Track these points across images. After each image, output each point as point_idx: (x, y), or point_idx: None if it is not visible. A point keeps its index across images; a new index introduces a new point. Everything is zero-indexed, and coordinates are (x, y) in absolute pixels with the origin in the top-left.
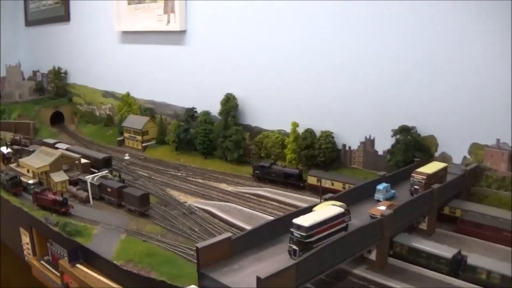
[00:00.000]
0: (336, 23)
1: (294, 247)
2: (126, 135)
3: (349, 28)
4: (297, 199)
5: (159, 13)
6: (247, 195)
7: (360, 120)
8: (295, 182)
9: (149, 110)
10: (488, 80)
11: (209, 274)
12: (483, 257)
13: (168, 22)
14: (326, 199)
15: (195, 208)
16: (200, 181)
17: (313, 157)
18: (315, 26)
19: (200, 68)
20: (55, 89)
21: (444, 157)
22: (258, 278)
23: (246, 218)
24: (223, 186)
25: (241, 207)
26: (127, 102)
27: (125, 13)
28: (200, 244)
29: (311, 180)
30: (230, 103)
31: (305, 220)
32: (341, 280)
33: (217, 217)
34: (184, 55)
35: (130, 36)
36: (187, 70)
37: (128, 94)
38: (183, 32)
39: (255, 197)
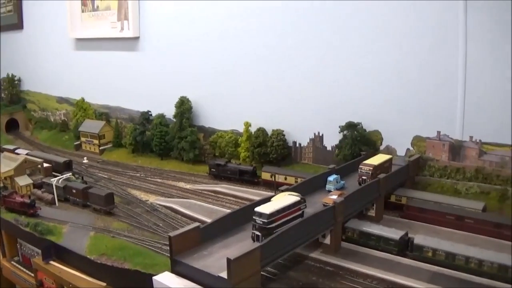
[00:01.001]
0: (284, 25)
1: (257, 233)
2: (83, 139)
3: (296, 29)
4: (252, 193)
5: (113, 20)
6: (205, 192)
7: (309, 118)
8: (249, 179)
9: (104, 114)
10: (428, 75)
11: (182, 260)
12: (429, 237)
13: (122, 29)
14: (282, 191)
15: (157, 206)
16: (159, 180)
17: (266, 154)
18: (264, 29)
19: (154, 72)
20: (9, 96)
21: (389, 150)
22: (228, 260)
23: (207, 213)
24: (181, 184)
25: (201, 202)
26: (82, 107)
27: (79, 20)
28: (172, 233)
29: (265, 175)
30: (184, 106)
31: (266, 208)
32: (299, 263)
33: (179, 213)
34: (138, 60)
35: (84, 42)
36: (141, 75)
37: (83, 100)
38: (136, 38)
39: (213, 194)
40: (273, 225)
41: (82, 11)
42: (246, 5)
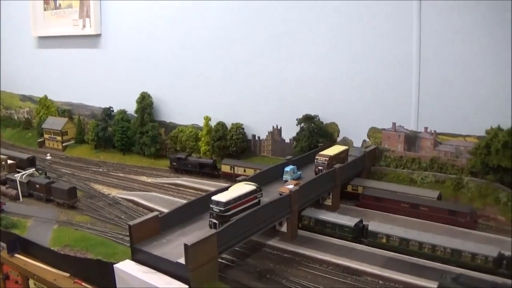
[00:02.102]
0: (242, 22)
1: (214, 220)
2: (46, 136)
3: (254, 26)
4: (212, 186)
5: (75, 18)
6: (166, 185)
7: (268, 112)
8: (210, 171)
9: (67, 111)
10: (383, 69)
11: (142, 248)
12: (383, 224)
13: (84, 26)
14: (239, 181)
15: (119, 199)
16: (121, 175)
17: (226, 147)
18: (222, 26)
19: (115, 69)
20: None
21: (346, 141)
22: (185, 245)
23: (168, 204)
24: (143, 178)
25: (162, 195)
26: (45, 105)
27: (42, 19)
28: (132, 222)
29: (225, 168)
30: (145, 101)
31: (222, 197)
32: (257, 251)
33: (141, 205)
34: (99, 57)
35: (47, 41)
36: (103, 71)
37: (45, 97)
38: (98, 35)
39: (174, 186)
40: (230, 213)
41: (45, 10)
42: (205, 3)
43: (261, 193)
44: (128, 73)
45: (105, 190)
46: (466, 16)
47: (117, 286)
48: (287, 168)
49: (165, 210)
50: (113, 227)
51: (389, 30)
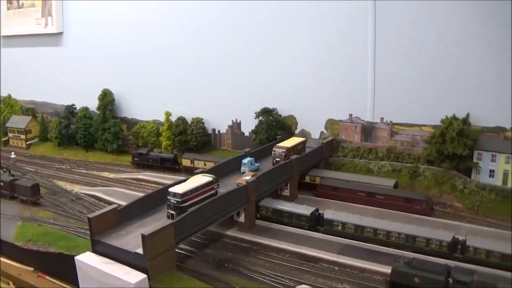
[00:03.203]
0: (199, 19)
1: (172, 211)
2: (10, 135)
3: (210, 22)
4: (173, 179)
5: (37, 16)
6: (128, 180)
7: (227, 106)
8: (171, 166)
9: (31, 110)
10: (339, 62)
11: (101, 239)
12: (338, 213)
13: (46, 25)
14: (197, 173)
15: (82, 194)
16: (84, 171)
17: (186, 142)
18: (180, 23)
19: (77, 67)
20: None
21: (304, 133)
22: (142, 236)
23: (129, 199)
24: (105, 174)
25: (124, 190)
26: (9, 104)
27: (5, 18)
28: (91, 215)
29: (186, 162)
30: (107, 98)
31: (179, 188)
32: (216, 241)
33: (103, 200)
34: (62, 55)
35: (10, 40)
36: (65, 69)
37: (9, 96)
38: (60, 34)
39: (135, 181)
40: (187, 204)
41: (8, 9)
42: (164, 3)
43: (218, 184)
44: (90, 71)
45: (68, 186)
46: (419, 10)
47: (79, 278)
48: (245, 160)
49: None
50: (75, 221)
51: (345, 26)
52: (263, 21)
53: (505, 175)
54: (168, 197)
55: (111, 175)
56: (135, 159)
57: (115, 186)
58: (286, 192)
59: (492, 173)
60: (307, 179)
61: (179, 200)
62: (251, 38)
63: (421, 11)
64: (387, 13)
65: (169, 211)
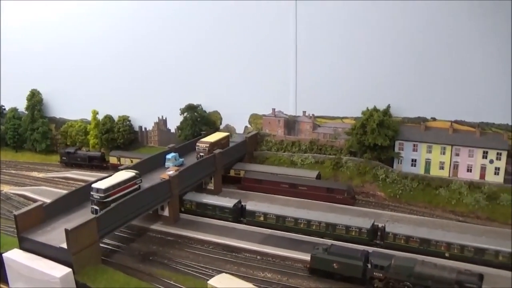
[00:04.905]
0: (121, 20)
1: (95, 207)
2: None
3: (133, 22)
4: (100, 177)
5: None
6: (57, 179)
7: (153, 103)
8: (98, 164)
9: None
10: (262, 59)
11: (27, 236)
12: (260, 204)
13: None
14: (121, 169)
15: (11, 194)
16: (13, 171)
17: (114, 140)
18: (107, 24)
19: (5, 67)
20: None
21: (229, 128)
22: (66, 230)
23: (57, 197)
24: (35, 174)
25: (52, 188)
26: None
27: None
28: (17, 212)
29: (113, 159)
30: (35, 98)
31: (102, 184)
32: (141, 235)
33: (31, 199)
34: None
35: None
36: None
37: None
38: None
39: (63, 180)
40: (110, 198)
41: None
42: (91, 3)
43: (141, 179)
44: (17, 71)
45: None
46: (339, 9)
47: (8, 275)
48: (169, 156)
49: None
50: (6, 221)
51: (268, 24)
52: (188, 20)
53: (427, 164)
54: (92, 193)
55: (40, 175)
56: (63, 158)
57: (44, 185)
58: (211, 186)
59: (414, 162)
60: (232, 172)
61: (102, 195)
62: (175, 36)
63: (341, 10)
64: (308, 12)
65: (93, 206)
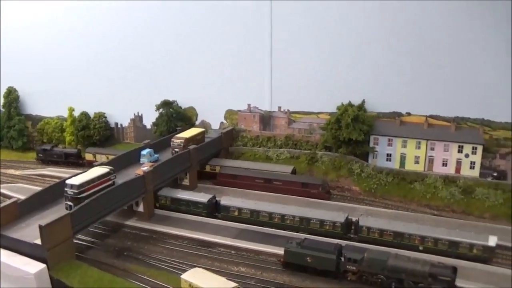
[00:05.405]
0: (96, 17)
1: (69, 203)
2: None
3: (108, 19)
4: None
5: None
6: (33, 176)
7: (129, 99)
8: (75, 160)
9: None
10: (238, 56)
11: (2, 233)
12: (234, 199)
13: None
14: (96, 165)
15: None
16: None
17: (89, 136)
18: (83, 21)
19: None
20: None
21: (204, 124)
22: (40, 226)
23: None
24: (11, 171)
25: (28, 185)
26: None
27: None
28: None
29: (89, 156)
30: (11, 96)
31: (76, 180)
32: (116, 231)
33: (7, 197)
34: None
35: None
36: None
37: None
38: None
39: (40, 177)
40: (84, 194)
41: None
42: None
43: (115, 175)
44: None
45: None
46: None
47: None
48: (144, 152)
49: None
50: None
51: (243, 20)
52: (163, 17)
53: (402, 158)
54: (66, 189)
55: (17, 172)
56: (39, 155)
57: (20, 182)
58: (186, 182)
59: (389, 157)
60: (208, 168)
61: (76, 191)
62: (150, 33)
63: (316, 6)
64: (283, 8)
65: (67, 202)
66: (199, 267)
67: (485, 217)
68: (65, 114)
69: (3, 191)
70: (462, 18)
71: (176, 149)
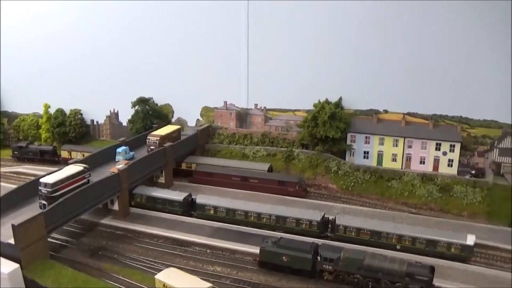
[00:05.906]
0: (73, 14)
1: (43, 202)
2: None
3: (84, 16)
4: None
5: None
6: (8, 174)
7: (105, 96)
8: (50, 158)
9: None
10: (213, 51)
11: None
12: (210, 197)
13: None
14: (70, 163)
15: None
16: None
17: (65, 133)
18: (57, 18)
19: None
20: None
21: (180, 121)
22: (12, 225)
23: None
24: None
25: (3, 183)
26: None
27: None
28: None
29: (64, 153)
30: None
31: (50, 178)
32: (91, 230)
33: None
34: None
35: None
36: None
37: None
38: None
39: (15, 175)
40: (58, 193)
41: None
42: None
43: (89, 173)
44: None
45: None
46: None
47: None
48: (119, 149)
49: None
50: None
51: (220, 17)
52: (139, 13)
53: (380, 156)
54: (40, 188)
55: None
56: (15, 152)
57: None
58: (162, 179)
59: (366, 154)
60: (184, 165)
61: (50, 190)
62: (126, 29)
63: (292, 4)
64: (259, 7)
65: (41, 201)
66: (174, 266)
67: (463, 215)
68: (41, 111)
69: None
70: (437, 14)
71: (152, 147)
